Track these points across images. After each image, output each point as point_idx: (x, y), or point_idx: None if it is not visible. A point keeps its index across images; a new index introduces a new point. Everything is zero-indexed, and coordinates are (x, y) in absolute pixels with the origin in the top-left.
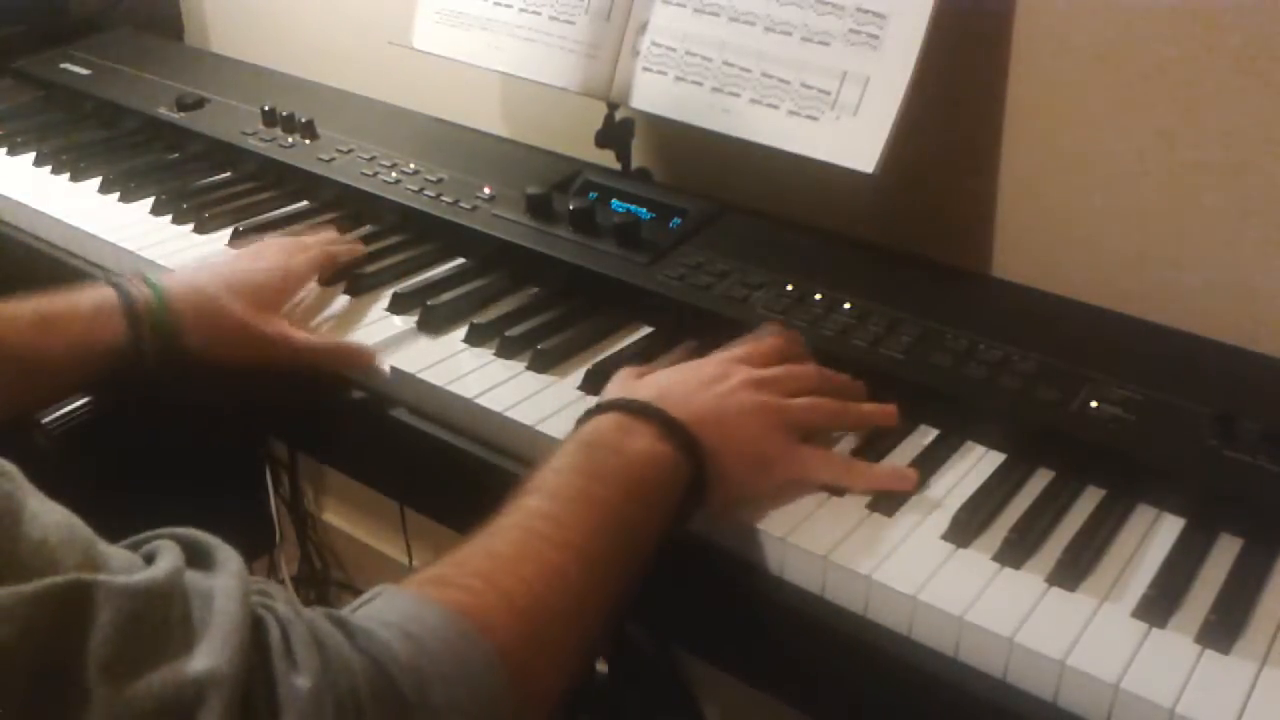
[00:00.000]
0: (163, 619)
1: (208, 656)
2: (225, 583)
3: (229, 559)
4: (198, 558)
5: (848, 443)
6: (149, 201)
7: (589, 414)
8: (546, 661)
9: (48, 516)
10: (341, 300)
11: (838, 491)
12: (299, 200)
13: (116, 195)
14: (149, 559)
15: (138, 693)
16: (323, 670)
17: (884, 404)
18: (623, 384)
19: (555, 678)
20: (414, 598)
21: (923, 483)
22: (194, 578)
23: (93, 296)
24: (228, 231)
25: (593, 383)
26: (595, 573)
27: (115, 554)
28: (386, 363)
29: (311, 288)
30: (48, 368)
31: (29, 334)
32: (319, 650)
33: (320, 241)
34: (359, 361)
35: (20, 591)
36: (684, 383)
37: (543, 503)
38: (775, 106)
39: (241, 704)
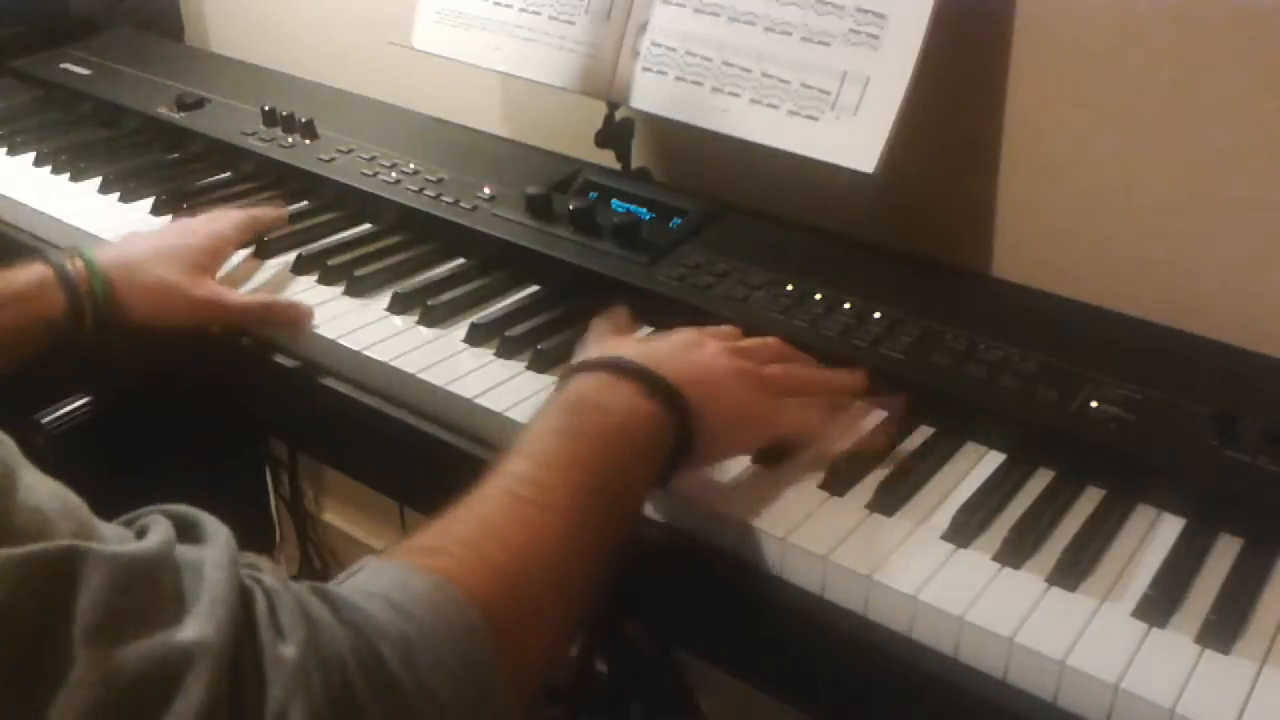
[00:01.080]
0: (152, 588)
1: (195, 625)
2: (214, 555)
3: (218, 532)
4: (187, 532)
5: (846, 442)
6: (149, 201)
7: (571, 371)
8: (534, 625)
9: (42, 488)
10: (341, 300)
11: (838, 491)
12: (299, 200)
13: (116, 195)
14: (140, 534)
15: (125, 658)
16: (309, 640)
17: (854, 370)
18: (602, 343)
19: (544, 641)
20: (399, 566)
21: (923, 483)
22: (184, 550)
23: (31, 274)
24: None
25: None
26: (580, 533)
27: (107, 527)
28: (387, 363)
29: (240, 256)
30: None
31: None
32: (305, 621)
33: (243, 208)
34: (293, 319)
35: (12, 554)
36: (665, 345)
37: (526, 466)
38: (775, 106)
39: (228, 673)
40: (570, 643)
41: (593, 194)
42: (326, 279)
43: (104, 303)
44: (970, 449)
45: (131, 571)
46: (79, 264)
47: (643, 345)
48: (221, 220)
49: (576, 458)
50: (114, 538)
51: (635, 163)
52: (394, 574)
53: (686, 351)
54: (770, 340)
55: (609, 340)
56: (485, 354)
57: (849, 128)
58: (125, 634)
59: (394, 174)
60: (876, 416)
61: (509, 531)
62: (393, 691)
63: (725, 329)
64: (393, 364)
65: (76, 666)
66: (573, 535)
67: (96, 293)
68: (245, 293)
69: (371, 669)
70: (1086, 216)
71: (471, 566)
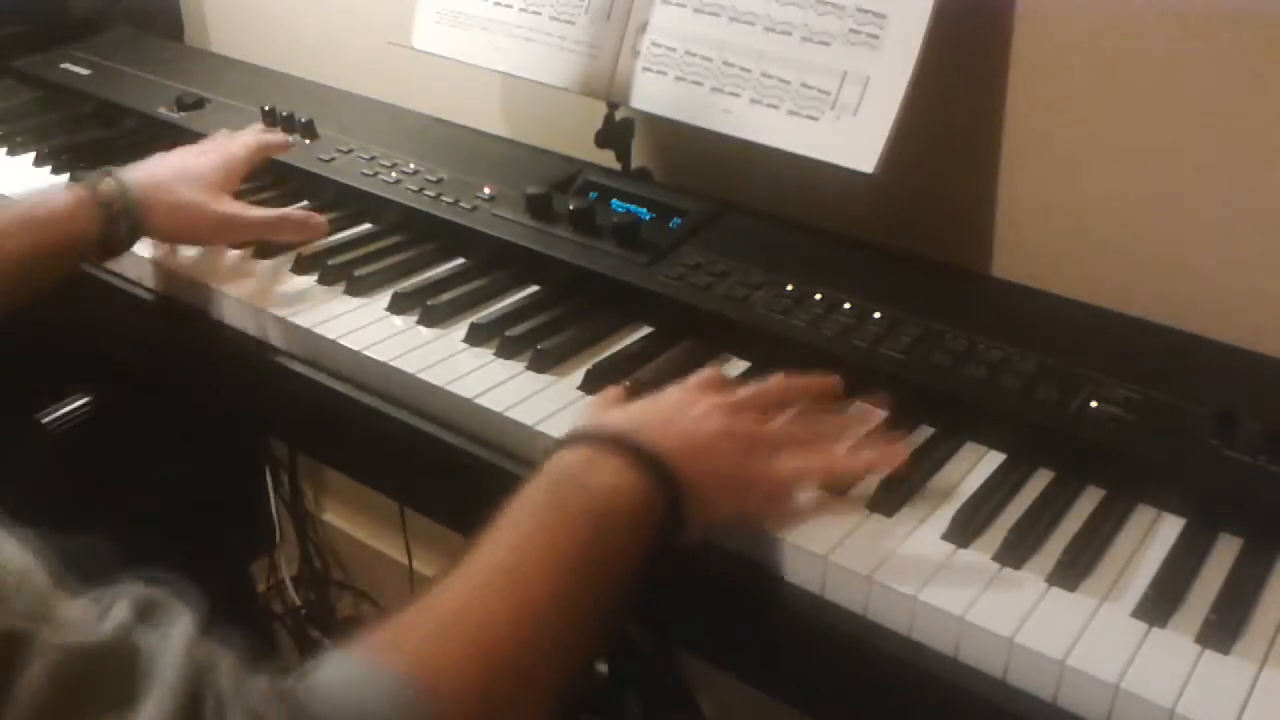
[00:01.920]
0: (98, 679)
1: (148, 711)
2: (173, 647)
3: (180, 619)
4: (153, 614)
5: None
6: None
7: (558, 445)
8: (500, 717)
9: (9, 558)
10: (341, 300)
11: (839, 491)
12: (299, 200)
13: None
14: (105, 612)
15: None
16: None
17: (827, 376)
18: (597, 410)
19: None
20: (364, 667)
21: (923, 483)
22: (143, 637)
23: (69, 195)
24: None
25: (592, 383)
26: (558, 624)
27: (71, 606)
28: (387, 363)
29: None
30: (36, 266)
31: (19, 237)
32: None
33: (252, 129)
34: (307, 229)
35: None
36: (659, 410)
37: (502, 555)
38: (775, 106)
39: None
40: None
41: (593, 194)
42: (326, 279)
43: (133, 221)
44: (970, 449)
45: (76, 659)
46: (110, 183)
47: (632, 412)
48: (233, 141)
49: (557, 544)
50: (74, 618)
51: (635, 163)
52: (356, 673)
53: (677, 414)
54: (767, 384)
55: (605, 408)
56: (485, 354)
57: (849, 128)
58: (73, 715)
59: (394, 174)
60: (872, 416)
61: (475, 627)
62: None
63: (715, 378)
64: (393, 364)
65: None
66: (549, 627)
67: (128, 210)
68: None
69: None
70: (1086, 216)
71: (435, 666)
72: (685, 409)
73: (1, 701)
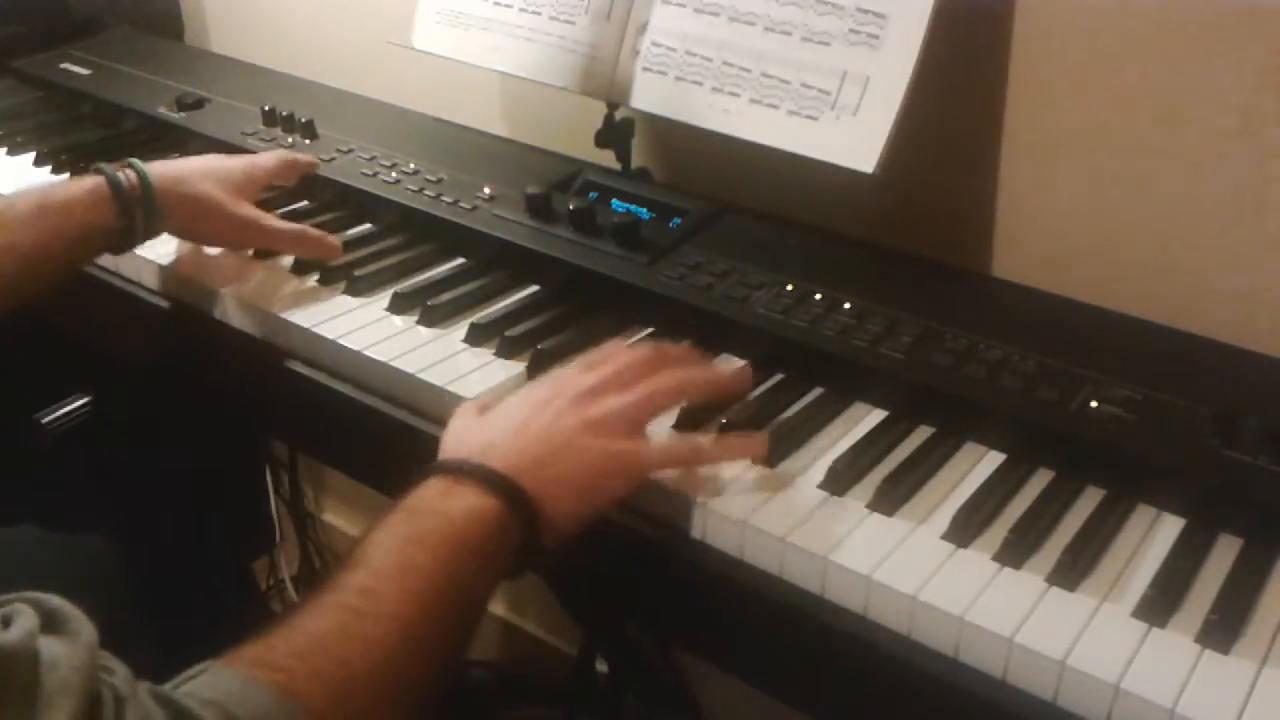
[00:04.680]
0: (7, 680)
1: None
2: (73, 652)
3: (82, 629)
4: (52, 624)
5: (847, 443)
6: None
7: (416, 475)
8: None
9: None
10: (341, 300)
11: (838, 491)
12: (299, 200)
13: None
14: (4, 622)
15: None
16: None
17: (740, 368)
18: (459, 428)
19: None
20: (238, 676)
21: (922, 483)
22: (44, 644)
23: (86, 185)
24: None
25: None
26: (417, 640)
27: None
28: (387, 363)
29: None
30: (50, 255)
31: (32, 225)
32: None
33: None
34: (324, 249)
35: None
36: (512, 423)
37: (363, 578)
38: (775, 106)
39: None
40: None
41: (593, 194)
42: (326, 279)
43: (151, 213)
44: (970, 449)
45: None
46: (131, 174)
47: (495, 427)
48: (262, 155)
49: (416, 566)
50: None
51: (635, 163)
52: (232, 684)
53: (531, 420)
54: (631, 357)
55: (468, 425)
56: (485, 354)
57: (849, 128)
58: None
59: (394, 174)
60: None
61: (340, 646)
62: None
63: (584, 360)
64: (393, 364)
65: None
66: (408, 643)
67: (147, 201)
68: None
69: None
70: (1086, 216)
71: (303, 680)
72: (538, 412)
73: None
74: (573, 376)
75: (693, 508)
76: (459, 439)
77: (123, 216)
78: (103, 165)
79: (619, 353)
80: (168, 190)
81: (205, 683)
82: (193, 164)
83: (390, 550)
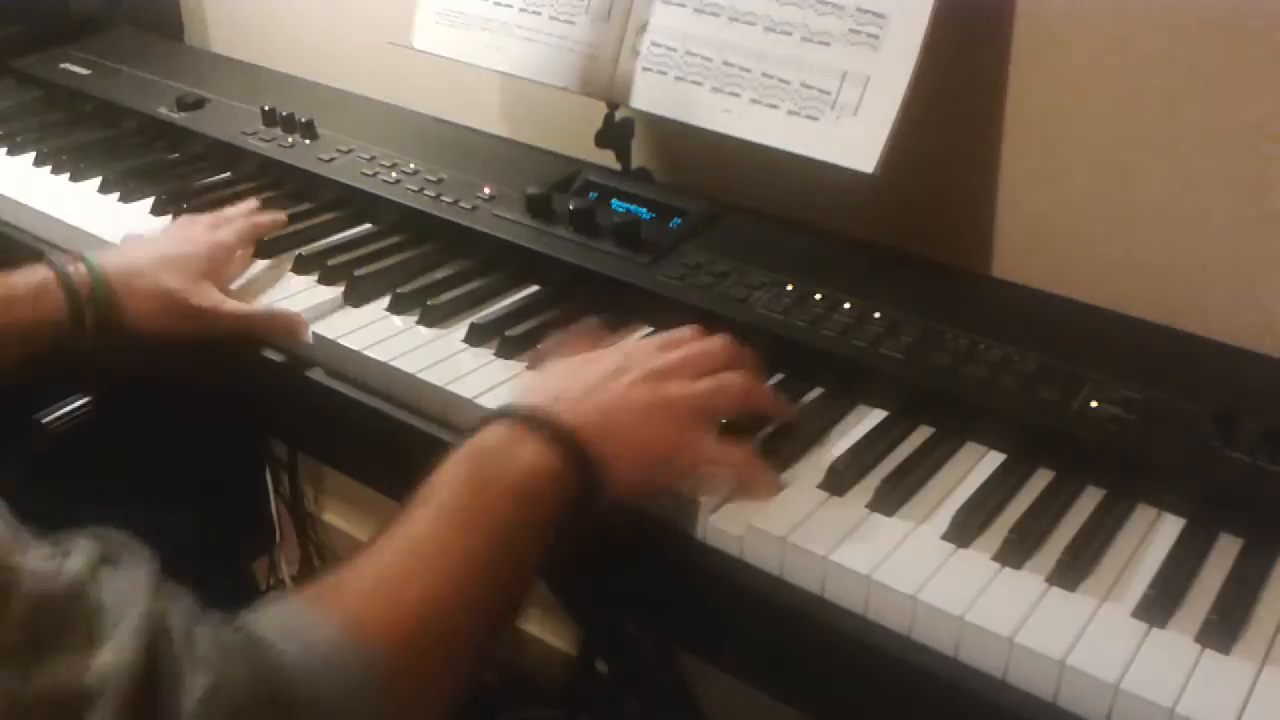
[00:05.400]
0: (70, 611)
1: (110, 652)
2: (135, 585)
3: (142, 562)
4: (113, 558)
5: (847, 443)
6: (149, 201)
7: (483, 421)
8: (428, 670)
9: None
10: (341, 300)
11: (838, 491)
12: (299, 200)
13: (116, 195)
14: (66, 557)
15: (39, 677)
16: (219, 673)
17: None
18: (527, 378)
19: (438, 683)
20: (304, 610)
21: (923, 483)
22: (105, 577)
23: (32, 277)
24: None
25: None
26: (477, 584)
27: (33, 548)
28: (387, 363)
29: (241, 257)
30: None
31: None
32: (217, 653)
33: (242, 212)
34: (290, 329)
35: None
36: (582, 381)
37: (427, 519)
38: (775, 106)
39: (138, 699)
40: (466, 688)
41: (593, 194)
42: (326, 279)
43: (104, 307)
44: (970, 449)
45: (50, 594)
46: (81, 268)
47: (561, 382)
48: (223, 229)
49: (476, 510)
50: (38, 558)
51: (635, 163)
52: (297, 615)
53: (603, 385)
54: (705, 346)
55: (533, 375)
56: (485, 354)
57: (849, 128)
58: (40, 653)
59: (394, 174)
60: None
61: (405, 582)
62: None
63: (658, 340)
64: (393, 364)
65: None
66: (470, 585)
67: (97, 297)
68: (243, 302)
69: (274, 703)
70: (1086, 216)
71: (367, 614)
72: (612, 379)
73: None
74: (646, 352)
75: (693, 508)
76: (532, 387)
77: (71, 313)
78: (52, 257)
79: (693, 339)
80: (122, 283)
81: (273, 615)
82: (150, 252)
83: (455, 492)
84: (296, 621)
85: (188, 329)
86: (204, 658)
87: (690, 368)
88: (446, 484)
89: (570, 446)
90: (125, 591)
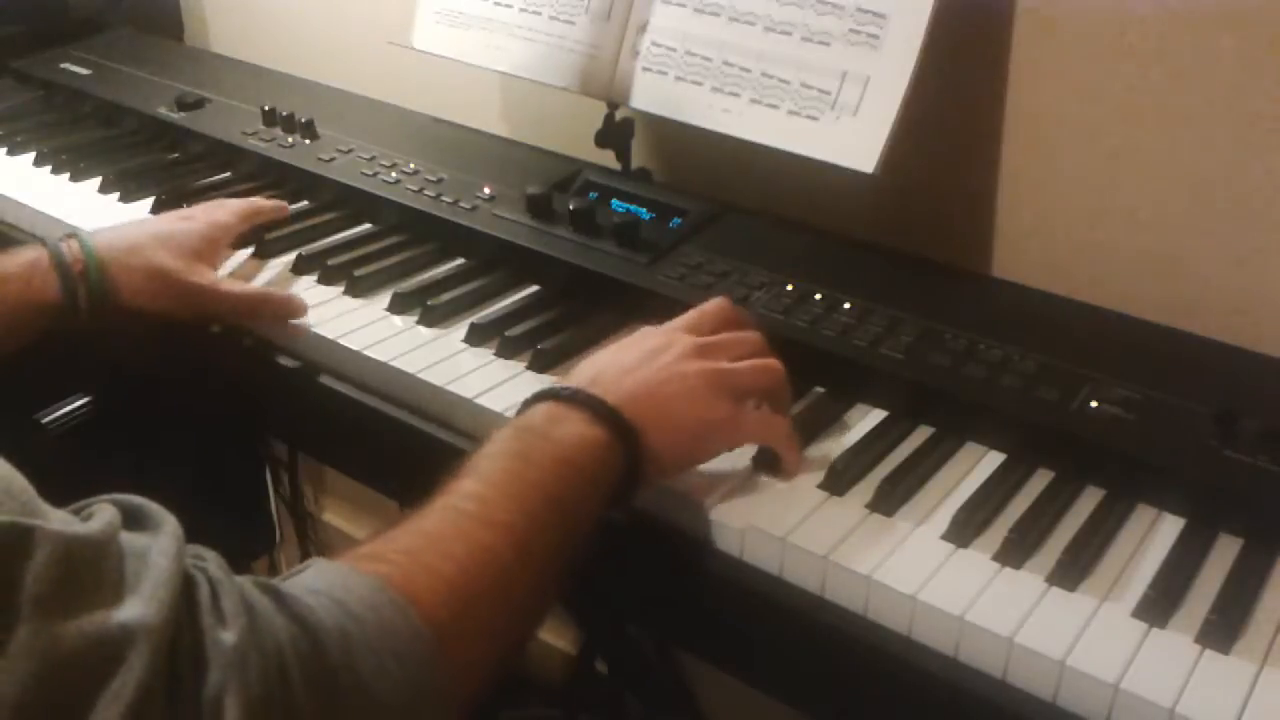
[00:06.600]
0: (95, 568)
1: (137, 606)
2: (160, 541)
3: (165, 521)
4: (135, 520)
5: (847, 443)
6: (149, 201)
7: (526, 403)
8: (474, 635)
9: None
10: (341, 300)
11: (838, 491)
12: (299, 200)
13: (116, 195)
14: (86, 520)
15: (66, 633)
16: (249, 628)
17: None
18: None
19: (484, 650)
20: (343, 569)
21: (923, 483)
22: (129, 536)
23: (25, 258)
24: None
25: None
26: (525, 551)
27: (52, 511)
28: (387, 363)
29: (241, 255)
30: None
31: None
32: (247, 610)
33: (244, 199)
34: (288, 311)
35: None
36: (622, 361)
37: (473, 484)
38: (775, 106)
39: (167, 654)
40: (515, 657)
41: (593, 194)
42: (326, 279)
43: (98, 286)
44: (970, 449)
45: (75, 550)
46: (74, 246)
47: (603, 363)
48: (221, 209)
49: (524, 478)
50: (59, 520)
51: (635, 163)
52: (338, 575)
53: (647, 362)
54: (744, 335)
55: (587, 359)
56: (485, 354)
57: (849, 128)
58: (67, 609)
59: (394, 174)
60: None
61: (452, 544)
62: (328, 683)
63: (704, 313)
64: (393, 364)
65: (16, 638)
66: (516, 551)
67: (91, 276)
68: (241, 285)
69: (309, 660)
70: (1086, 216)
71: (413, 574)
72: (654, 356)
73: (13, 589)
74: (685, 331)
75: (693, 508)
76: (572, 374)
77: (64, 291)
78: (46, 238)
79: (724, 313)
80: (117, 261)
81: (310, 575)
82: (148, 230)
83: (501, 463)
84: (336, 580)
85: (182, 310)
86: (233, 611)
87: (730, 349)
88: (491, 455)
89: (613, 421)
90: (150, 548)
